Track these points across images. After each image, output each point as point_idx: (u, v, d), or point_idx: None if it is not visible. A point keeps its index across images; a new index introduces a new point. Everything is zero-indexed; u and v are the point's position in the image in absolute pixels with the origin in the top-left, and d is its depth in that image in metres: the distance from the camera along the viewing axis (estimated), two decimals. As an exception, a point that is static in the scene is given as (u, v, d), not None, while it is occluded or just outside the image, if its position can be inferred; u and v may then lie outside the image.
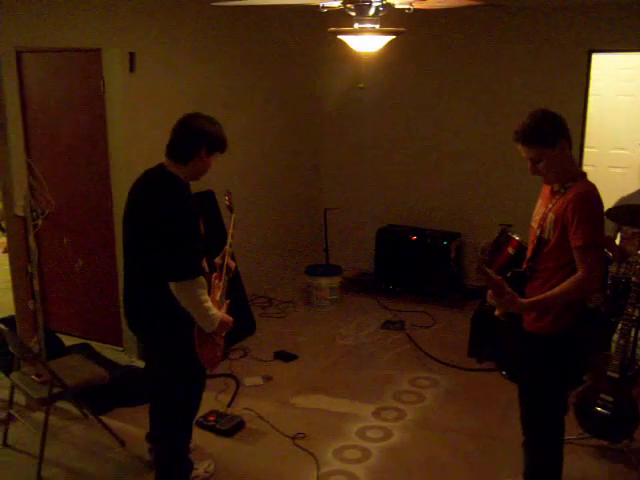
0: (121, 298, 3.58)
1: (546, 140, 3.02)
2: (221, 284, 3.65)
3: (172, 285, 3.20)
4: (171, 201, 3.23)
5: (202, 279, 3.28)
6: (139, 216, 3.32)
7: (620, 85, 7.99)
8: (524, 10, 6.12)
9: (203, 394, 3.77)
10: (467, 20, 6.24)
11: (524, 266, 3.23)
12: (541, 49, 6.21)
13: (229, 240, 3.78)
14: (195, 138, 3.29)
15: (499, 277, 3.05)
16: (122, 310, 3.55)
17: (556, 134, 3.04)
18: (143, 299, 3.39)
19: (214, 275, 3.61)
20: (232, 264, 3.78)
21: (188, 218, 3.23)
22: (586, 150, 6.45)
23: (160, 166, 3.35)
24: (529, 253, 3.21)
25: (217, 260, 3.74)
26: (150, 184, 3.34)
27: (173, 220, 3.18)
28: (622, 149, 8.17)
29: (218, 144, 3.36)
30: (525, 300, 3.07)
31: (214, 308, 3.36)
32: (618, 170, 7.97)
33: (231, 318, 3.50)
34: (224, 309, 3.57)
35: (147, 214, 3.25)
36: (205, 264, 3.42)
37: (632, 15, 5.73)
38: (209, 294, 3.39)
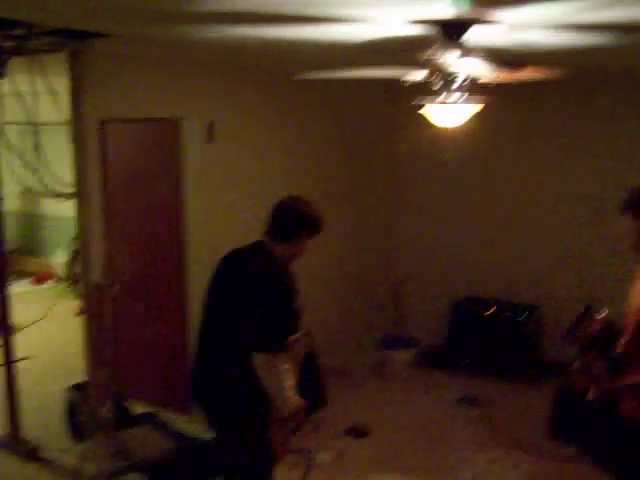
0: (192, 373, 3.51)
1: None
2: (293, 373, 3.52)
3: (256, 357, 3.15)
4: (274, 273, 3.29)
5: (287, 356, 3.20)
6: (233, 286, 3.34)
7: None
8: (611, 79, 5.95)
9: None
10: (551, 89, 6.11)
11: (620, 350, 3.03)
12: (632, 118, 6.03)
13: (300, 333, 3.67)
14: (298, 221, 3.38)
15: (589, 354, 2.87)
16: (193, 386, 3.47)
17: None
18: (225, 374, 3.32)
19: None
20: (302, 352, 3.69)
21: (288, 293, 3.26)
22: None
23: (259, 242, 3.42)
24: (628, 337, 3.01)
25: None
26: (250, 256, 3.40)
27: (274, 291, 3.23)
28: None
29: (318, 229, 3.44)
30: (620, 378, 2.87)
31: (293, 390, 3.27)
32: None
33: (303, 409, 3.38)
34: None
35: (243, 284, 3.28)
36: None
37: None
38: None
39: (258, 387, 3.18)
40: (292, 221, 3.37)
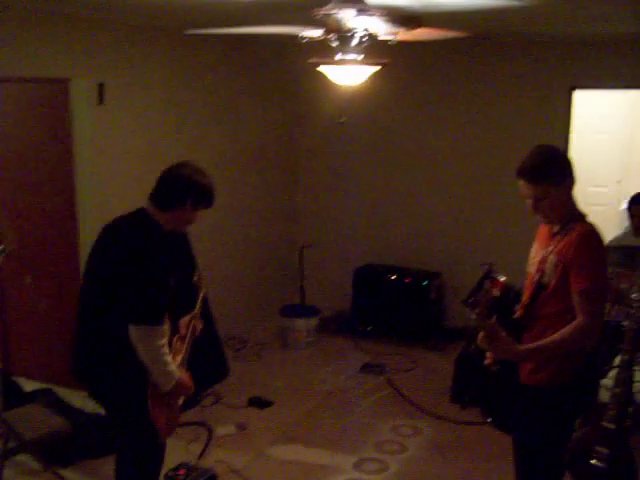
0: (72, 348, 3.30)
1: (553, 178, 2.85)
2: (183, 348, 3.38)
3: (131, 330, 2.97)
4: (146, 242, 3.06)
5: (164, 329, 3.06)
6: (109, 256, 3.11)
7: (599, 123, 7.99)
8: (507, 45, 6.00)
9: (168, 448, 3.45)
10: (450, 53, 6.12)
11: (519, 313, 3.02)
12: (525, 85, 6.11)
13: (197, 309, 3.53)
14: (182, 188, 3.13)
15: (492, 320, 2.85)
16: (73, 361, 3.27)
17: (563, 173, 2.88)
18: (99, 348, 3.13)
19: (176, 337, 3.34)
20: (198, 328, 3.53)
21: (160, 264, 3.04)
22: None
23: (141, 210, 3.17)
24: (526, 299, 3.00)
25: (182, 322, 3.44)
26: (127, 225, 3.16)
27: (143, 262, 3.00)
28: (601, 186, 8.12)
29: (205, 198, 3.20)
30: (521, 346, 2.87)
31: (174, 365, 3.13)
32: (597, 208, 7.86)
33: (191, 384, 3.26)
34: (184, 375, 3.30)
35: (118, 254, 3.06)
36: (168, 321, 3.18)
37: (614, 53, 5.66)
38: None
39: (134, 362, 3.01)
40: (176, 188, 3.13)
